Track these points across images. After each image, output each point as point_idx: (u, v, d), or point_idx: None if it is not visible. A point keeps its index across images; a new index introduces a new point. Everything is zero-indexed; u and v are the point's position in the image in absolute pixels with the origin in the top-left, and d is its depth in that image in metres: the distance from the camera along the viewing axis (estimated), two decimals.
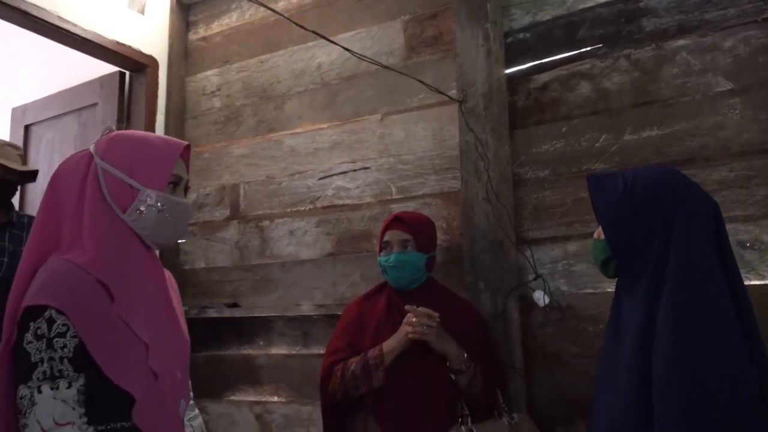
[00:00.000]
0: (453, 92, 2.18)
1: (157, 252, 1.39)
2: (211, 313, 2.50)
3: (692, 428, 1.11)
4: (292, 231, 2.51)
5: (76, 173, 1.24)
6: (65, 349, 1.09)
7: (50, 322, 1.10)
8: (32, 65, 3.41)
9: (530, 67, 2.13)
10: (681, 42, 1.89)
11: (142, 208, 1.23)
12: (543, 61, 2.10)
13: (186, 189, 1.36)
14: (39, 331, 1.09)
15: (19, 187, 3.02)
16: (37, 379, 1.08)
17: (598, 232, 1.36)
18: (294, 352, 2.42)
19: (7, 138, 3.25)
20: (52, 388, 1.08)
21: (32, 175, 2.23)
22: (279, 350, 2.46)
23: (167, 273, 1.44)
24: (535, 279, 1.96)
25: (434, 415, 1.70)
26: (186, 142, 1.34)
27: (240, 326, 2.54)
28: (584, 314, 1.89)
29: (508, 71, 2.15)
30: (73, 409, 1.09)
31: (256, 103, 2.70)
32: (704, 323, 1.15)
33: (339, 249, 2.40)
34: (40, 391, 1.07)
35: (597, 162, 1.98)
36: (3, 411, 1.14)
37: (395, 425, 1.69)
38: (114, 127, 1.36)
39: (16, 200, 3.03)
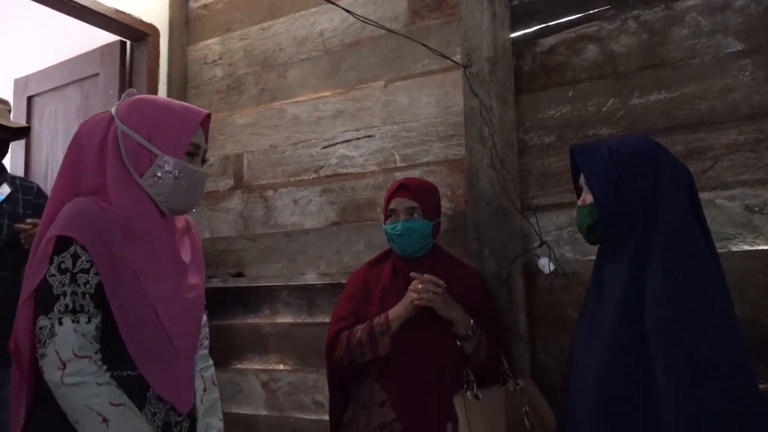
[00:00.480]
0: (457, 57, 2.14)
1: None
2: (216, 283, 2.50)
3: (695, 394, 1.11)
4: (296, 200, 2.50)
5: (96, 134, 1.25)
6: (88, 285, 1.12)
7: (75, 257, 1.12)
8: (34, 35, 3.38)
9: (536, 30, 2.08)
10: (691, 2, 1.84)
11: (159, 174, 1.24)
12: (549, 24, 2.06)
13: (204, 157, 1.36)
14: (63, 265, 1.12)
15: (23, 155, 3.03)
16: (59, 311, 1.10)
17: (583, 199, 1.37)
18: (299, 320, 2.43)
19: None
20: (73, 321, 1.11)
21: (24, 132, 2.18)
22: (284, 319, 2.47)
23: (191, 223, 1.43)
24: (540, 246, 1.95)
25: (440, 381, 1.71)
26: (207, 111, 1.34)
27: (245, 296, 2.54)
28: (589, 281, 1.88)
29: (513, 35, 2.11)
30: (91, 344, 1.12)
31: (258, 72, 2.67)
32: (696, 290, 1.17)
33: (343, 218, 2.39)
34: (60, 323, 1.10)
35: (603, 127, 1.95)
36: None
37: (401, 392, 1.70)
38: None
39: (20, 167, 3.04)
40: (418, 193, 1.84)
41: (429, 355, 1.72)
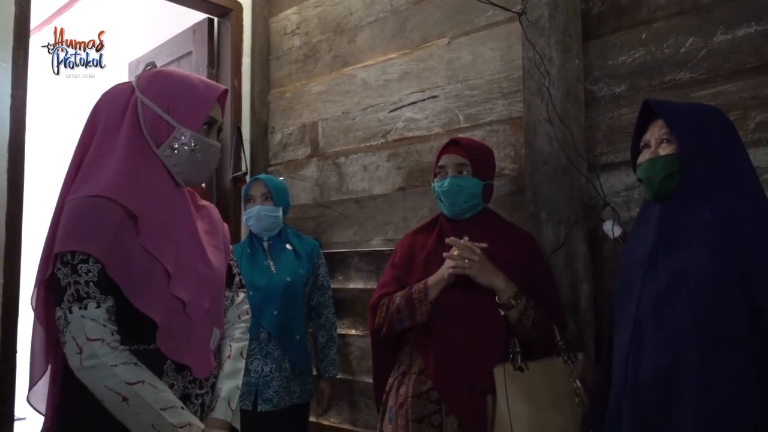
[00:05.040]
0: (519, 7, 1.97)
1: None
2: None
3: None
4: (365, 166, 2.48)
5: (117, 104, 1.29)
6: (90, 274, 1.17)
7: (72, 251, 1.17)
8: (142, 20, 3.66)
9: None
10: None
11: (176, 146, 1.28)
12: None
13: (219, 132, 1.39)
14: (64, 258, 1.18)
15: None
16: (68, 301, 1.16)
17: (654, 152, 1.33)
18: (369, 286, 2.42)
19: None
20: (80, 308, 1.16)
21: None
22: (355, 285, 2.48)
23: (212, 208, 1.49)
24: (603, 208, 1.75)
25: (480, 351, 1.62)
26: (224, 87, 1.37)
27: None
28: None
29: None
30: (104, 326, 1.16)
31: (331, 38, 2.66)
32: None
33: (409, 183, 2.33)
34: (71, 311, 1.16)
35: (682, 71, 1.70)
36: (49, 332, 1.26)
37: (437, 361, 1.64)
38: (157, 65, 1.41)
39: None
40: (469, 150, 1.74)
41: (469, 324, 1.64)
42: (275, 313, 2.11)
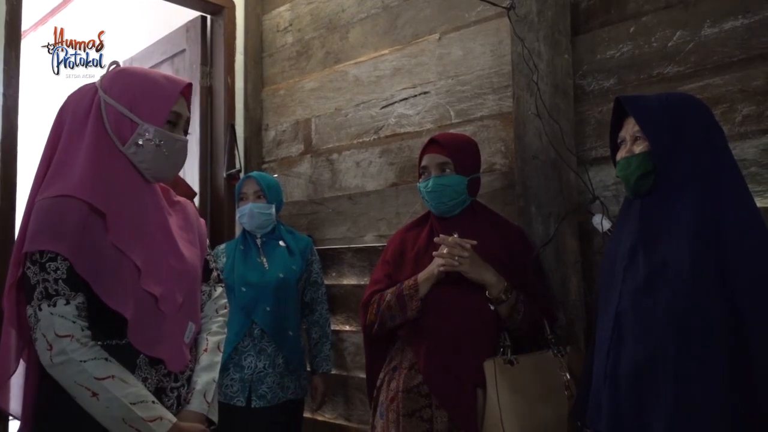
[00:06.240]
0: (508, 2, 1.97)
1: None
2: None
3: None
4: (358, 162, 2.48)
5: (81, 105, 1.30)
6: (58, 272, 1.18)
7: (41, 251, 1.18)
8: (133, 19, 3.66)
9: None
10: None
11: (141, 142, 1.28)
12: None
13: (186, 126, 1.39)
14: (33, 257, 1.19)
15: None
16: (37, 299, 1.18)
17: (629, 149, 1.32)
18: (362, 282, 2.43)
19: None
20: (49, 305, 1.17)
21: None
22: (349, 281, 2.49)
23: (187, 203, 1.49)
24: (592, 201, 1.76)
25: (470, 345, 1.63)
26: (188, 81, 1.37)
27: None
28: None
29: None
30: (73, 323, 1.18)
31: (324, 35, 2.66)
32: None
33: (401, 179, 2.34)
34: (40, 309, 1.17)
35: (670, 64, 1.70)
36: (20, 333, 1.28)
37: (427, 355, 1.64)
38: (120, 63, 1.42)
39: None
40: (450, 147, 1.74)
41: (459, 319, 1.64)
42: (268, 309, 2.12)
